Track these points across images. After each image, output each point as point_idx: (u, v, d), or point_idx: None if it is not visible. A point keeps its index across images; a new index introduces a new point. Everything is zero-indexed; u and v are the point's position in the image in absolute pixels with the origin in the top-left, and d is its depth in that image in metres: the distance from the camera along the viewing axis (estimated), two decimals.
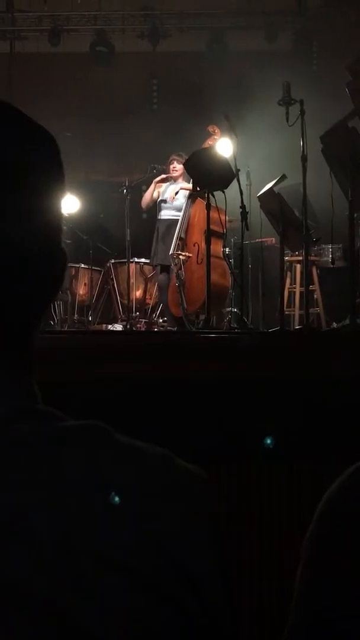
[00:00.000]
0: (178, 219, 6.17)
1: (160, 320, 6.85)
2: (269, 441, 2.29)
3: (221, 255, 5.74)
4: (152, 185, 6.45)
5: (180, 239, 6.08)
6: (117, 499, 0.56)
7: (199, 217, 6.04)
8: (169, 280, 6.16)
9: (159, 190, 6.42)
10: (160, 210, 6.36)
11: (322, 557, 0.72)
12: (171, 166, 6.40)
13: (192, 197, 6.16)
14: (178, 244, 6.06)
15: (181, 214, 6.18)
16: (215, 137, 6.20)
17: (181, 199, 6.24)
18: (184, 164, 5.76)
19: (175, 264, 5.97)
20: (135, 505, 0.57)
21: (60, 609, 0.52)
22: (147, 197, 6.47)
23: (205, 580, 0.59)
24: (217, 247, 5.56)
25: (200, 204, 6.05)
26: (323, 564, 0.71)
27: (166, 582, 0.56)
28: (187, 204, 6.17)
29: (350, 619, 0.67)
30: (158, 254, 6.29)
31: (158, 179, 6.44)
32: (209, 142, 6.19)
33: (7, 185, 0.62)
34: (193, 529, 0.59)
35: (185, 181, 6.26)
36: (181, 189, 6.30)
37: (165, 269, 6.23)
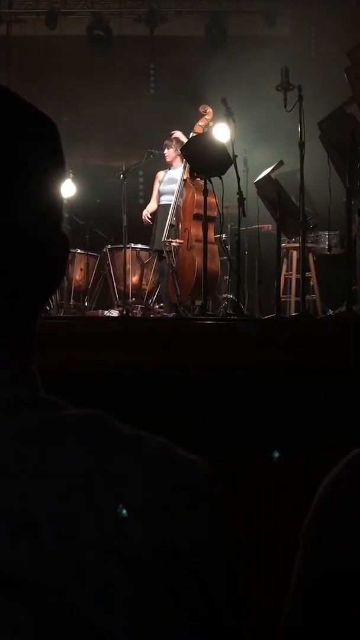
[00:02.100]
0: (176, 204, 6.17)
1: (157, 307, 6.85)
2: (277, 454, 2.30)
3: (212, 239, 5.72)
4: (155, 184, 6.46)
5: (171, 225, 6.07)
6: (124, 511, 0.56)
7: (189, 202, 6.02)
8: (163, 266, 6.18)
9: (159, 180, 6.41)
10: (160, 195, 6.36)
11: (323, 540, 0.72)
12: (164, 152, 6.39)
13: (183, 182, 6.14)
14: (170, 231, 6.05)
15: (173, 199, 6.16)
16: (207, 117, 6.18)
17: (175, 183, 6.22)
18: (181, 150, 5.74)
19: (168, 251, 5.96)
20: (137, 495, 0.57)
21: (62, 600, 0.52)
22: (152, 202, 6.46)
23: (207, 571, 0.58)
24: (210, 232, 5.55)
25: (190, 189, 6.03)
26: (324, 547, 0.71)
27: (168, 573, 0.56)
28: (178, 190, 6.15)
29: (351, 602, 0.67)
30: (156, 240, 6.30)
31: (157, 179, 6.44)
32: (201, 122, 6.17)
33: (6, 171, 0.61)
34: (195, 520, 0.59)
35: (181, 163, 6.24)
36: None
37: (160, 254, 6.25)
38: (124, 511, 0.56)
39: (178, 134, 6.33)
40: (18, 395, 0.60)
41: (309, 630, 0.71)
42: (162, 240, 6.04)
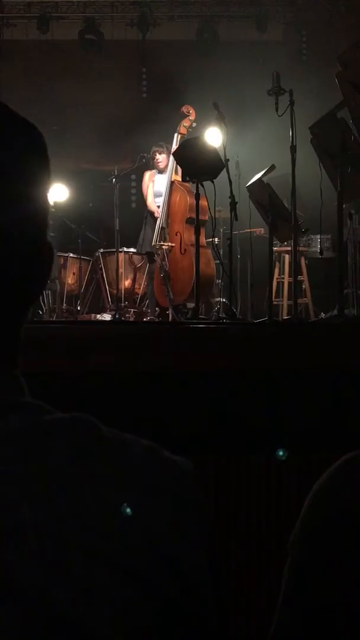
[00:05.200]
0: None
1: (150, 310, 6.86)
2: (281, 453, 2.30)
3: (204, 243, 5.73)
4: (146, 182, 6.42)
5: (161, 228, 6.07)
6: (128, 510, 0.56)
7: (179, 205, 6.02)
8: (153, 268, 6.19)
9: (152, 180, 6.40)
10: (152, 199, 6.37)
11: (311, 550, 0.71)
12: (155, 158, 6.38)
13: (170, 185, 6.14)
14: (160, 233, 6.05)
15: (161, 201, 6.15)
16: (190, 117, 6.21)
17: (164, 186, 6.22)
18: (172, 154, 5.75)
19: (159, 255, 5.96)
20: (122, 497, 0.57)
21: (49, 602, 0.52)
22: (149, 202, 6.40)
23: (193, 573, 0.59)
24: (200, 235, 5.56)
25: (179, 191, 6.03)
26: (312, 557, 0.71)
27: (155, 575, 0.56)
28: (166, 192, 6.15)
29: (339, 613, 0.67)
30: (145, 242, 6.30)
31: (147, 177, 6.40)
32: (185, 123, 6.19)
33: None
34: (180, 522, 0.60)
35: (171, 170, 6.24)
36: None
37: (152, 256, 6.25)
38: (128, 509, 0.56)
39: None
40: (2, 400, 0.60)
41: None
42: (153, 243, 6.05)
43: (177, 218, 6.02)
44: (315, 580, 0.70)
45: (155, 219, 6.26)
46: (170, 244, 5.97)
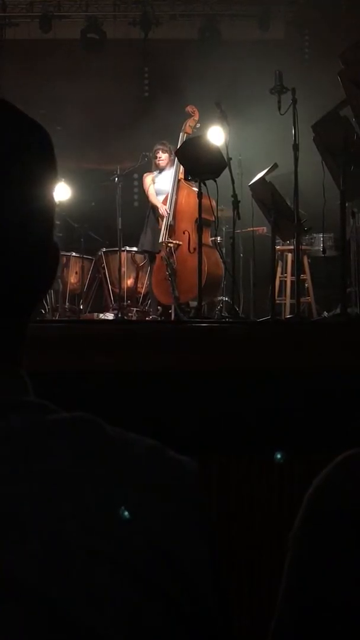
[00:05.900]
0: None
1: (151, 310, 6.86)
2: (279, 456, 2.30)
3: (210, 243, 5.73)
4: (148, 183, 6.41)
5: (169, 225, 6.07)
6: (127, 512, 0.56)
7: (187, 204, 6.02)
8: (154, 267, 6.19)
9: (153, 178, 6.40)
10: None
11: (310, 546, 0.71)
12: (157, 156, 6.39)
13: (177, 182, 6.15)
14: (167, 230, 6.05)
15: (168, 200, 6.15)
16: (195, 117, 6.23)
17: (168, 185, 6.23)
18: (175, 153, 5.75)
19: (167, 251, 5.96)
20: (125, 498, 0.57)
21: (51, 601, 0.53)
22: (152, 196, 6.39)
23: (195, 573, 0.59)
24: (207, 236, 5.56)
25: (186, 189, 6.04)
26: (312, 553, 0.71)
27: (156, 574, 0.56)
28: (173, 189, 6.15)
29: (339, 609, 0.67)
30: (147, 241, 6.30)
31: (149, 179, 6.40)
32: (190, 122, 6.21)
33: None
34: (183, 522, 0.60)
35: (173, 168, 6.24)
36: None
37: (152, 256, 6.25)
38: (126, 512, 0.56)
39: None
40: (6, 399, 0.61)
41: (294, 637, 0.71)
42: (160, 240, 6.05)
43: (185, 216, 6.02)
44: (315, 576, 0.70)
45: (157, 219, 6.25)
46: (177, 241, 5.97)
